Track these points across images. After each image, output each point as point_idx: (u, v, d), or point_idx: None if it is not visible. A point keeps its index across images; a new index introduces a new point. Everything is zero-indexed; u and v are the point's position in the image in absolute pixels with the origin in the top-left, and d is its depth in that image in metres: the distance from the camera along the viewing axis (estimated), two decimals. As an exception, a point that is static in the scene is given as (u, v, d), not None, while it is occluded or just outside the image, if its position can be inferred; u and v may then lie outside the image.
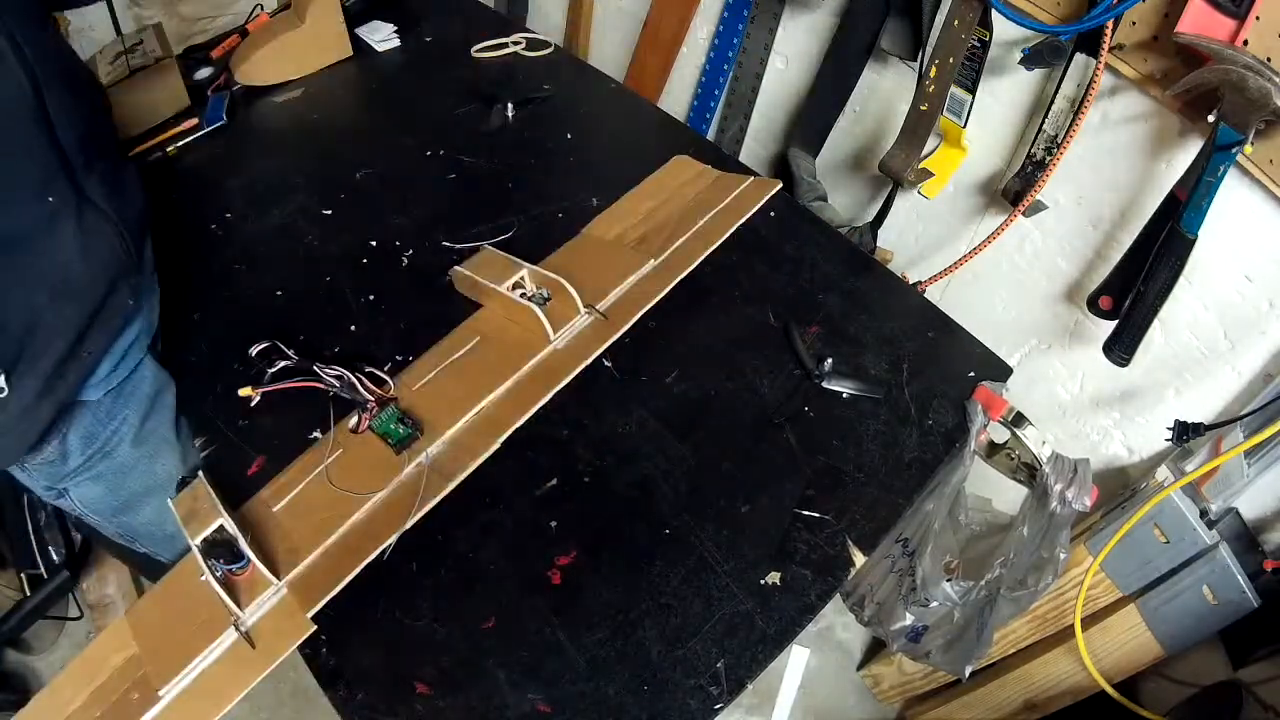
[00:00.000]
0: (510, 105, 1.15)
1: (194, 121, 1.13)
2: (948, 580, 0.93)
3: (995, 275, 1.22)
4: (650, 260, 0.90)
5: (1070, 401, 1.22)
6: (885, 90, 1.24)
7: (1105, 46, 0.89)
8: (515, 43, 1.30)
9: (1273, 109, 0.76)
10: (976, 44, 1.01)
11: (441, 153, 1.10)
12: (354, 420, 0.78)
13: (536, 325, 0.82)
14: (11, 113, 0.63)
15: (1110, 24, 0.88)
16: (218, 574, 0.65)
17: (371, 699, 0.63)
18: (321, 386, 0.80)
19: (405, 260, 0.96)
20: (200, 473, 0.75)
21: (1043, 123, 1.02)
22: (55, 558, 1.43)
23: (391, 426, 0.76)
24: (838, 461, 0.80)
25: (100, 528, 0.88)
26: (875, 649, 1.55)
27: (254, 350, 0.83)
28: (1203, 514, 0.99)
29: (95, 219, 0.70)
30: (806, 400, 0.84)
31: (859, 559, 0.73)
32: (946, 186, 1.16)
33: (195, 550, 0.66)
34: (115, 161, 0.77)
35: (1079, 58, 0.94)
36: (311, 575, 0.67)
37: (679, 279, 0.89)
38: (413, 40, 1.33)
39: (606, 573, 0.71)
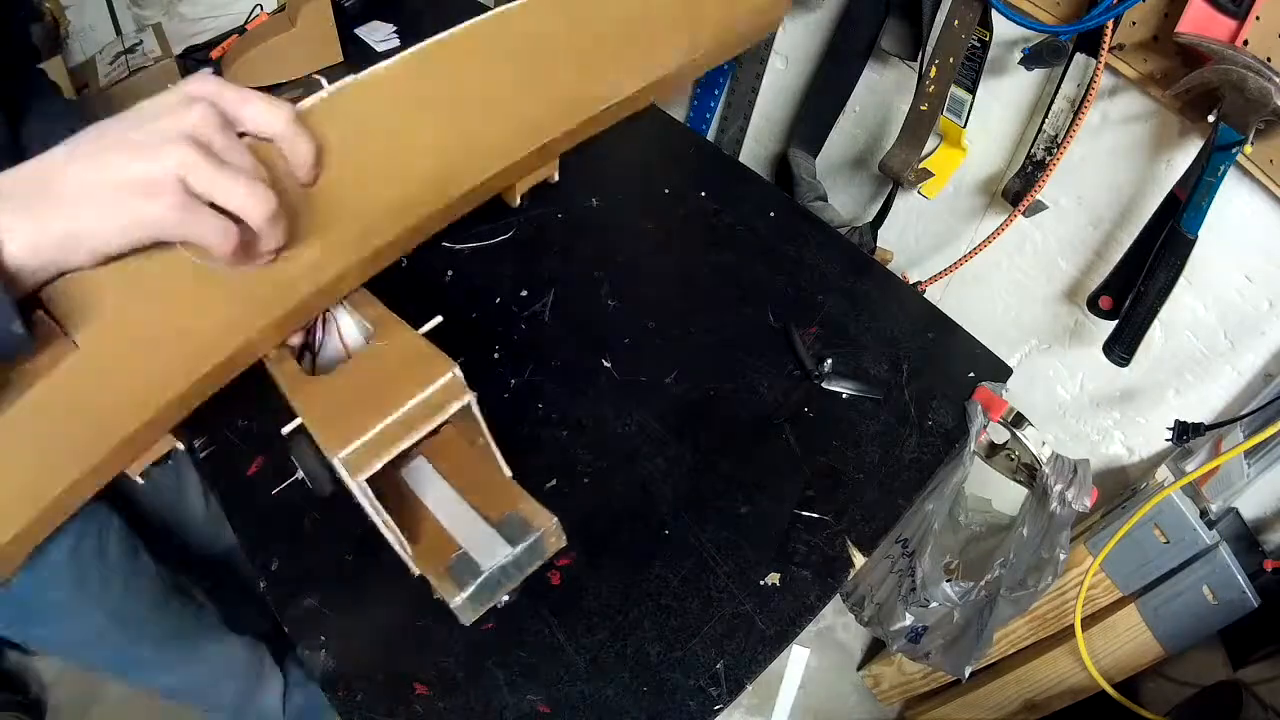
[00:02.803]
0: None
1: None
2: (948, 580, 0.93)
3: (995, 275, 1.22)
4: None
5: (1070, 401, 1.22)
6: (885, 90, 1.24)
7: (1105, 46, 0.89)
8: (515, 43, 1.30)
9: (1273, 109, 0.76)
10: (976, 44, 1.01)
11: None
12: None
13: None
14: None
15: (1110, 24, 0.88)
16: None
17: (371, 699, 0.63)
18: None
19: (405, 261, 0.96)
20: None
21: (1043, 123, 1.02)
22: (55, 558, 1.43)
23: None
24: (838, 462, 0.80)
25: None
26: (875, 649, 1.55)
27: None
28: (1203, 514, 0.99)
29: None
30: (806, 400, 0.84)
31: (859, 560, 0.73)
32: (946, 186, 1.16)
33: None
34: None
35: (1079, 58, 0.94)
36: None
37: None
38: (413, 40, 1.32)
39: (606, 573, 0.71)
